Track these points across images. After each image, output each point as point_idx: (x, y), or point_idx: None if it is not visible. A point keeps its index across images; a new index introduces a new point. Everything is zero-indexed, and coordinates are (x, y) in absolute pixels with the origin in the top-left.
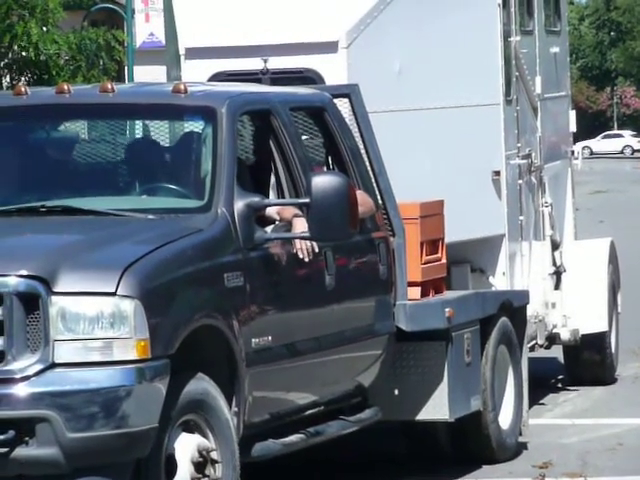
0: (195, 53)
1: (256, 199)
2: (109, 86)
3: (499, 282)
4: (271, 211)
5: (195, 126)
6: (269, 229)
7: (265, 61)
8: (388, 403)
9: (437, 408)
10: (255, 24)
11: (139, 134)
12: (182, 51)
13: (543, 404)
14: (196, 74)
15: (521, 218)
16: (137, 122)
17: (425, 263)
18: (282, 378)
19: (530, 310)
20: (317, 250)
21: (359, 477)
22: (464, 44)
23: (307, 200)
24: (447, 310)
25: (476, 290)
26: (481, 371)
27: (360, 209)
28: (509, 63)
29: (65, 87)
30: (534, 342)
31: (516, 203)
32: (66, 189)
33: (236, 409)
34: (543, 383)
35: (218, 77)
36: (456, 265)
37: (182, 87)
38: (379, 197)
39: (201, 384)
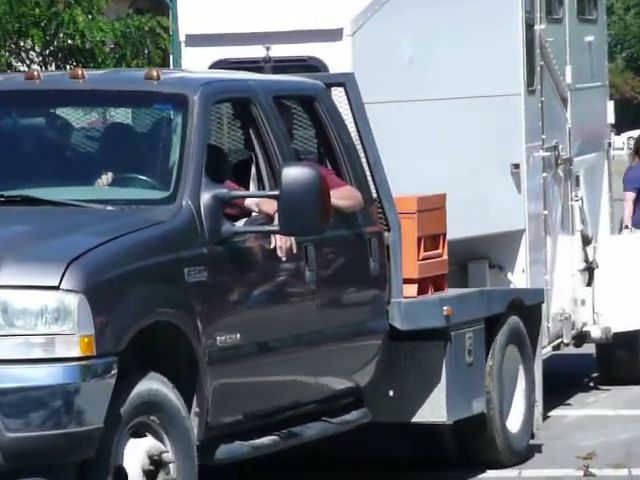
0: (196, 40)
1: (224, 190)
2: (79, 72)
3: (518, 279)
4: (250, 203)
5: (166, 114)
6: (242, 222)
7: (267, 49)
8: (383, 404)
9: (434, 410)
10: (257, 11)
11: (109, 122)
12: (182, 38)
13: (569, 404)
14: (197, 62)
15: (545, 212)
16: (108, 110)
17: (423, 259)
18: (254, 377)
19: (555, 307)
20: (295, 247)
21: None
22: (482, 32)
23: (277, 192)
24: (445, 308)
25: (481, 288)
26: (485, 372)
27: (347, 203)
28: (532, 52)
29: (35, 73)
30: (559, 340)
31: (539, 197)
32: (29, 178)
33: (197, 409)
34: (576, 381)
35: (219, 65)
36: (474, 261)
37: (155, 73)
38: (374, 190)
39: (154, 384)
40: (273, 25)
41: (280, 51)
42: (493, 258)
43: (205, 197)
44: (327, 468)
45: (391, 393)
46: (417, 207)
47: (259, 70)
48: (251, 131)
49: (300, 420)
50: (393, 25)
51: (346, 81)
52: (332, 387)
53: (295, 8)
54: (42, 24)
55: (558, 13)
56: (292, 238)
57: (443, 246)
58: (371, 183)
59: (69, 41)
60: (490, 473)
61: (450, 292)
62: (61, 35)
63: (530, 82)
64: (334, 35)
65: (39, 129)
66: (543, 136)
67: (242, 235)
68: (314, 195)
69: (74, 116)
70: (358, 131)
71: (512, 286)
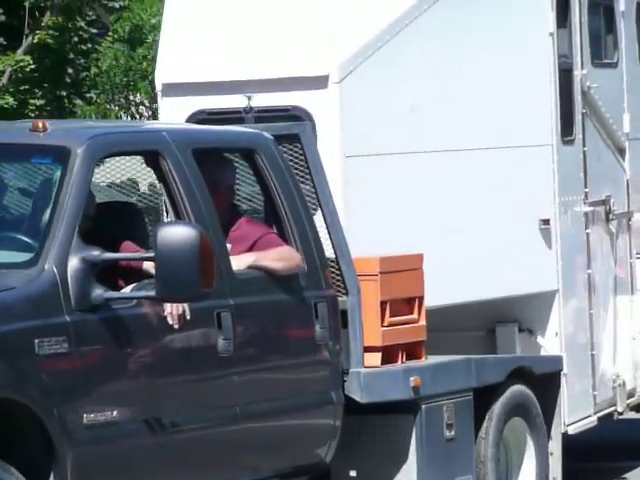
0: (173, 89)
1: (95, 253)
2: None
3: (550, 343)
4: (148, 266)
5: (45, 169)
6: (130, 288)
7: (249, 98)
8: None
9: None
10: (239, 57)
11: None
12: (159, 87)
13: (625, 478)
14: (174, 113)
15: (588, 271)
16: None
17: (389, 325)
18: (141, 458)
19: (608, 373)
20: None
21: None
22: (506, 78)
23: (152, 254)
24: (413, 379)
25: (468, 355)
26: (474, 447)
27: (280, 265)
28: (570, 99)
29: None
30: (613, 409)
31: (579, 255)
32: None
33: None
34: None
35: (198, 116)
36: (502, 325)
37: (40, 125)
38: (333, 251)
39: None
40: (255, 72)
41: (263, 100)
42: (523, 321)
43: (74, 261)
44: None
45: (353, 473)
46: (380, 269)
47: (240, 121)
48: (162, 187)
49: None
50: (392, 70)
51: (300, 132)
52: (266, 468)
53: (279, 54)
54: (149, 77)
55: (611, 57)
56: (185, 304)
57: (419, 311)
58: (328, 243)
59: None
60: None
61: (428, 360)
62: None
63: (567, 132)
64: (319, 83)
65: None
66: (586, 189)
67: (128, 301)
68: (192, 257)
69: None
70: (314, 187)
71: (542, 351)
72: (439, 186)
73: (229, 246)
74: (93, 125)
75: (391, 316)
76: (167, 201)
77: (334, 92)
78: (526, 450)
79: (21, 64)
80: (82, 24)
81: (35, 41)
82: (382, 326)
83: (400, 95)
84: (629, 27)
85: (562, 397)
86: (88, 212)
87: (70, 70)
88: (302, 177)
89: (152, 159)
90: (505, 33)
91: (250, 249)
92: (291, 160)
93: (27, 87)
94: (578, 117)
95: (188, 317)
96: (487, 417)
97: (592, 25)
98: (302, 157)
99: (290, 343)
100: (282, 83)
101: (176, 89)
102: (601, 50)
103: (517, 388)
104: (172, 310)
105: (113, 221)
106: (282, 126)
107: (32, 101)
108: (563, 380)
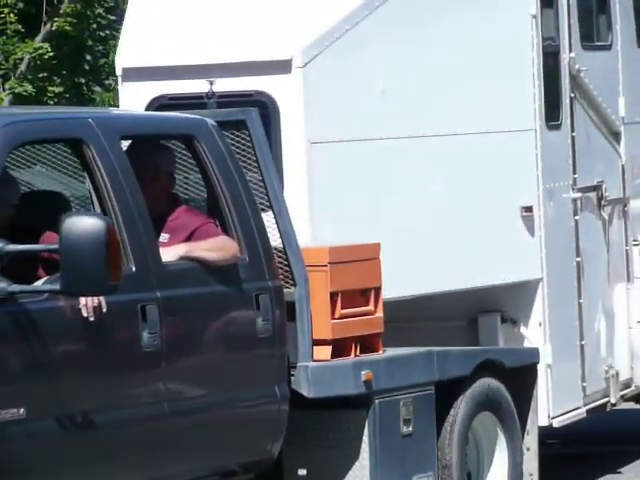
0: (133, 74)
1: None
2: None
3: (534, 334)
4: None
5: None
6: (42, 280)
7: (211, 83)
8: None
9: None
10: (201, 41)
11: None
12: (119, 72)
13: (619, 472)
14: (134, 98)
15: (577, 259)
16: None
17: (340, 318)
18: (53, 458)
19: (599, 364)
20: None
21: None
22: (480, 63)
23: (56, 246)
24: (364, 373)
25: (429, 348)
26: (436, 443)
27: (214, 255)
28: (556, 83)
29: None
30: (605, 400)
31: (566, 243)
32: None
33: None
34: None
35: (158, 101)
36: (484, 315)
37: None
38: (280, 240)
39: None
40: (218, 57)
41: (225, 85)
42: (506, 311)
43: None
44: None
45: (302, 472)
46: (329, 259)
47: (202, 106)
48: (87, 176)
49: None
50: (360, 54)
51: (247, 118)
52: (204, 466)
53: (242, 37)
54: None
55: (605, 39)
56: (102, 297)
57: (376, 302)
58: (276, 232)
59: None
60: None
61: (385, 353)
62: None
63: (553, 117)
64: (282, 67)
65: None
66: (575, 175)
67: (40, 294)
68: (98, 250)
69: None
70: (261, 174)
71: (526, 342)
72: (412, 173)
73: (167, 236)
74: (13, 112)
75: (343, 308)
76: (91, 191)
77: (298, 77)
78: (497, 445)
79: (40, 51)
80: (100, 11)
81: (53, 28)
82: (333, 318)
83: (368, 80)
84: (624, 7)
85: (546, 389)
86: (9, 201)
87: (88, 57)
88: (250, 164)
89: (75, 147)
90: (483, 14)
91: (188, 239)
92: (239, 147)
93: (46, 74)
94: (566, 101)
95: (104, 309)
96: (452, 412)
97: (582, 5)
98: (250, 144)
99: (227, 336)
100: (245, 67)
101: (137, 74)
102: (593, 32)
103: (485, 381)
104: (87, 302)
105: (37, 211)
106: (228, 112)
107: (51, 88)
108: (547, 372)
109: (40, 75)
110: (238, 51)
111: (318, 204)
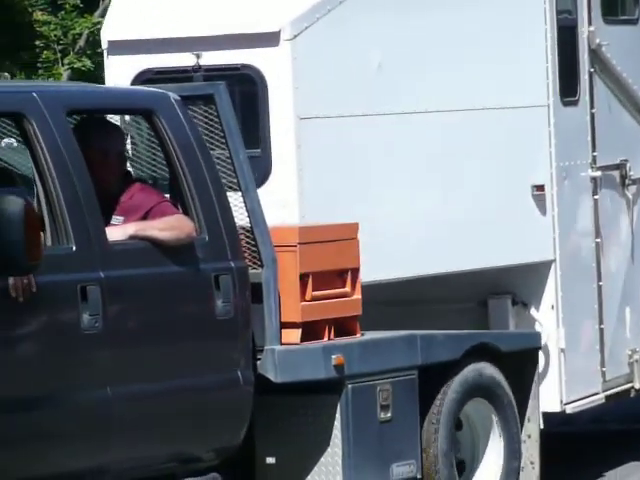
0: (119, 47)
1: None
2: None
3: (546, 316)
4: None
5: None
6: None
7: (198, 56)
8: (261, 475)
9: (330, 478)
10: (187, 13)
11: None
12: (104, 45)
13: None
14: (120, 72)
15: (597, 240)
16: None
17: (312, 300)
18: None
19: (625, 348)
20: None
21: None
22: (489, 36)
23: None
24: (334, 357)
25: (412, 331)
26: (419, 430)
27: (167, 234)
28: (574, 57)
29: None
30: (629, 385)
31: (584, 223)
32: None
33: None
34: None
35: (144, 75)
36: (494, 297)
37: None
38: (248, 219)
39: None
40: (204, 29)
41: (212, 59)
42: (517, 294)
43: None
44: None
45: (271, 460)
46: (299, 239)
47: (189, 80)
48: (28, 153)
49: None
50: (356, 26)
51: (214, 93)
52: (160, 453)
53: (229, 9)
54: None
55: (631, 13)
56: (31, 276)
57: (353, 283)
58: (243, 210)
59: None
60: None
61: (362, 337)
62: None
63: (569, 92)
64: (270, 40)
65: None
66: (595, 153)
67: None
68: (15, 229)
69: None
70: (229, 151)
71: (537, 325)
72: (412, 150)
73: (121, 218)
74: None
75: (315, 290)
76: (33, 168)
77: (286, 50)
78: (492, 432)
79: (98, 27)
80: None
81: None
82: (303, 300)
83: (364, 54)
84: None
85: (559, 374)
86: None
87: None
88: (218, 140)
89: (17, 122)
90: None
91: (144, 218)
92: (208, 122)
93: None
94: (584, 77)
95: (34, 289)
96: (438, 398)
97: None
98: (217, 119)
99: (180, 318)
100: (232, 40)
101: (122, 47)
102: (617, 6)
103: (477, 367)
104: (15, 282)
105: None
106: (194, 86)
107: None
108: (560, 356)
109: (99, 50)
110: (225, 23)
111: (308, 182)
